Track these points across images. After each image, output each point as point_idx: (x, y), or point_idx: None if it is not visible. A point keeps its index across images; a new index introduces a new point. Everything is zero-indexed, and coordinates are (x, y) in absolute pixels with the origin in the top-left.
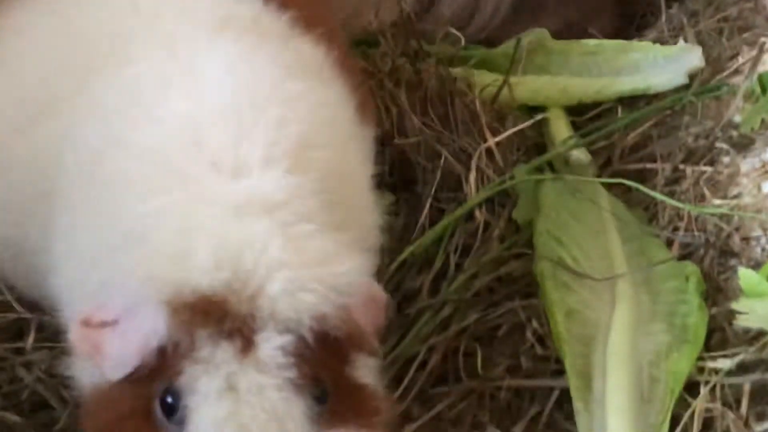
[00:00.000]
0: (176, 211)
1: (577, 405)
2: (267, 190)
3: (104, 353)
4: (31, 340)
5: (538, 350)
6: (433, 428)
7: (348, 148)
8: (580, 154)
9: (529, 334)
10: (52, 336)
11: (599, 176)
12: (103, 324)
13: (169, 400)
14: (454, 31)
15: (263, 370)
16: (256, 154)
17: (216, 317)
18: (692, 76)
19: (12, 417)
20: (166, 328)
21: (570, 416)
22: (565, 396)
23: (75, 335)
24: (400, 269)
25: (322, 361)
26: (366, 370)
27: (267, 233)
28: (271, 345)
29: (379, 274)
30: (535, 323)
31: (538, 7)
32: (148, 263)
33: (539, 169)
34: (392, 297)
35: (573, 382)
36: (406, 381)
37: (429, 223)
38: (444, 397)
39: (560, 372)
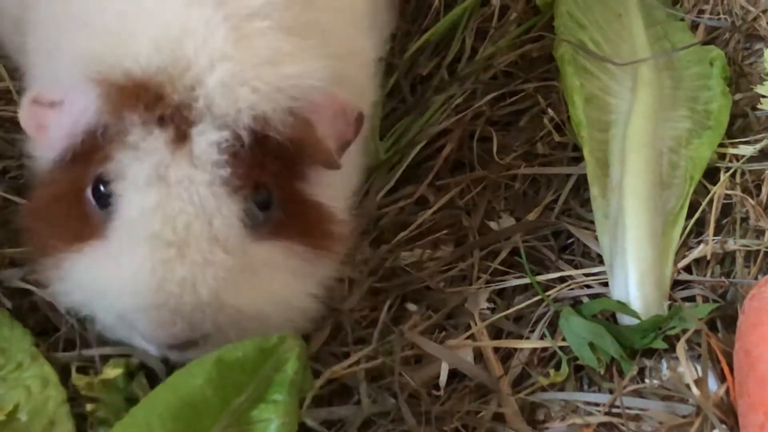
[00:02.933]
0: None
1: (594, 191)
2: None
3: (46, 132)
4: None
5: (555, 137)
6: (447, 216)
7: None
8: None
9: (546, 121)
10: None
11: None
12: (50, 103)
13: (101, 188)
14: None
15: (196, 164)
16: None
17: (148, 102)
18: None
19: (21, 201)
20: (96, 108)
21: (585, 203)
22: (581, 183)
23: (23, 113)
24: (414, 54)
25: (263, 167)
26: (327, 190)
27: (212, 23)
28: (205, 139)
29: (393, 59)
30: (552, 110)
31: None
32: (84, 42)
33: None
34: (405, 81)
35: (590, 168)
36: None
37: (444, 8)
38: (459, 185)
39: (577, 159)
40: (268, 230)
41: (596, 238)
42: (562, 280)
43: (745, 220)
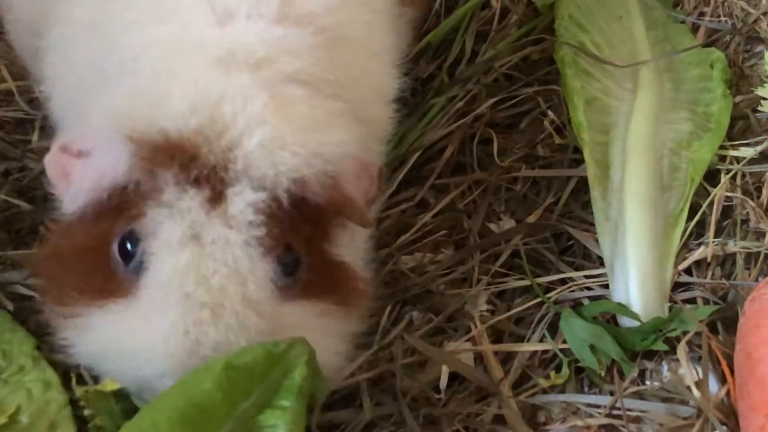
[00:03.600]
0: (160, 50)
1: (594, 193)
2: (250, 42)
3: (70, 182)
4: (35, 137)
5: (556, 139)
6: (448, 219)
7: (364, 12)
8: None
9: (546, 123)
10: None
11: None
12: (79, 153)
13: (128, 246)
14: None
15: (231, 225)
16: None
17: (183, 161)
18: None
19: (23, 204)
20: (127, 164)
21: (586, 205)
22: (581, 185)
23: (50, 158)
24: (415, 57)
25: (296, 228)
26: (350, 250)
27: (250, 88)
28: (242, 199)
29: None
30: (552, 112)
31: None
32: (117, 101)
33: None
34: (406, 82)
35: (591, 170)
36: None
37: (444, 11)
38: (460, 186)
39: (577, 161)
40: (297, 291)
41: (597, 240)
42: (562, 282)
43: (745, 222)
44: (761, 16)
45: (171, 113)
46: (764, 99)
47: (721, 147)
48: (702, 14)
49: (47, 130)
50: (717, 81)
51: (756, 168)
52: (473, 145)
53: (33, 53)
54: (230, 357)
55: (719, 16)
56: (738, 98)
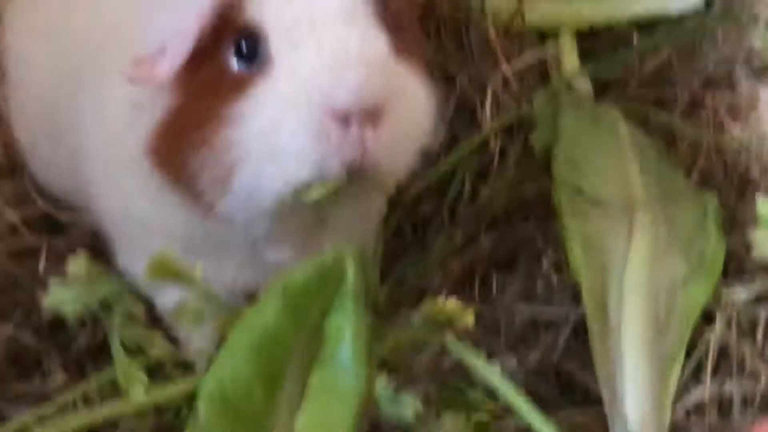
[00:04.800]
0: None
1: (594, 334)
2: None
3: (158, 67)
4: (42, 262)
5: (554, 278)
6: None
7: None
8: (581, 83)
9: (545, 262)
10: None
11: (617, 103)
12: (153, 57)
13: (244, 47)
14: None
15: None
16: None
17: None
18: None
19: (29, 338)
20: None
21: (586, 345)
22: (581, 325)
23: (132, 76)
24: (415, 196)
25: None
26: None
27: None
28: None
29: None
30: (551, 251)
31: None
32: None
33: (556, 95)
34: (407, 222)
35: (590, 310)
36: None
37: (444, 151)
38: None
39: (576, 300)
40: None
41: (596, 381)
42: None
43: (741, 363)
44: (753, 160)
45: None
46: (757, 241)
47: (716, 288)
48: (695, 158)
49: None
50: (711, 223)
51: (751, 310)
52: (473, 284)
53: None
54: (285, 281)
55: (712, 160)
56: (731, 240)
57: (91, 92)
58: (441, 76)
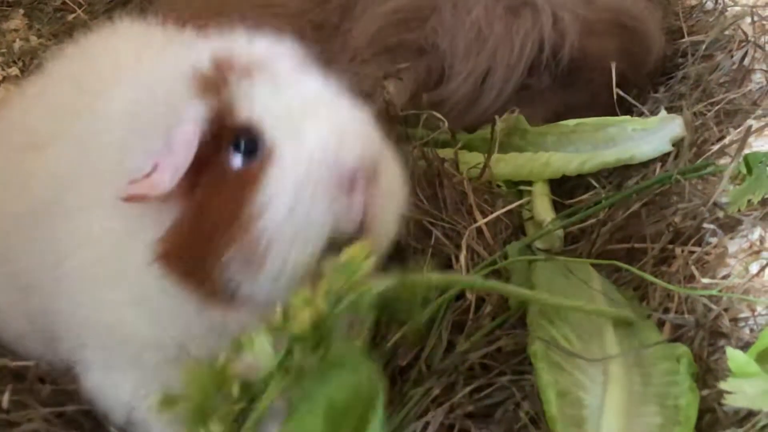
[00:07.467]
0: None
1: None
2: None
3: (156, 183)
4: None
5: (531, 429)
6: None
7: None
8: (554, 238)
9: (522, 414)
10: None
11: (588, 255)
12: (147, 175)
13: (243, 144)
14: (437, 114)
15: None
16: None
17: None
18: (677, 151)
19: None
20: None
21: None
22: None
23: (129, 195)
24: (392, 346)
25: None
26: None
27: None
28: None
29: (373, 352)
30: (528, 403)
31: (537, 94)
32: None
33: (530, 248)
34: (384, 373)
35: None
36: None
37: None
38: None
39: None
40: None
41: None
42: None
43: None
44: (722, 312)
45: None
46: (728, 393)
47: None
48: (666, 310)
49: None
50: (684, 375)
51: None
52: None
53: None
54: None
55: (683, 312)
56: (705, 392)
57: (63, 226)
58: (417, 229)
